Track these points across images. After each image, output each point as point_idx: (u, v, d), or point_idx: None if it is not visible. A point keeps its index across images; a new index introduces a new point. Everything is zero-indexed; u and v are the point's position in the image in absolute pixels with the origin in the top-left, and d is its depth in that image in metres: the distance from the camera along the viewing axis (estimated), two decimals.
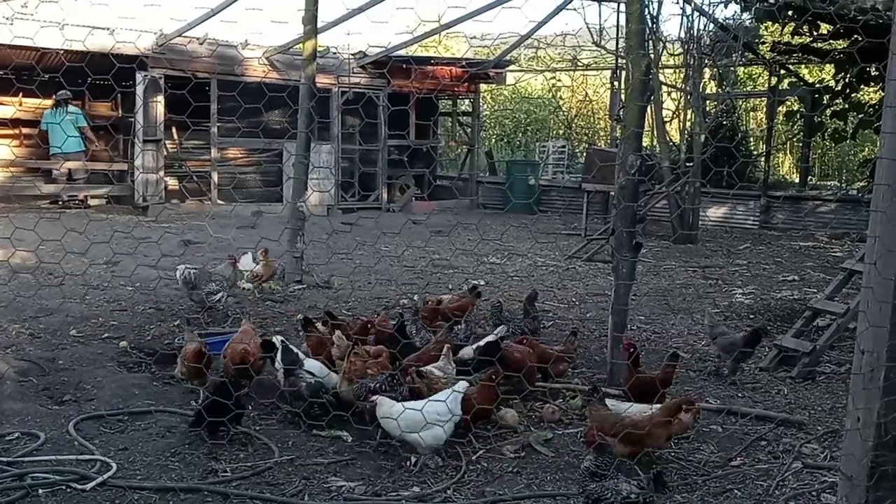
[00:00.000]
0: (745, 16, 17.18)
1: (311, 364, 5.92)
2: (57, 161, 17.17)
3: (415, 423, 4.91)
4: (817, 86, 18.87)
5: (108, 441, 5.26)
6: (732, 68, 19.46)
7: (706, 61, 16.32)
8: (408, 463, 5.01)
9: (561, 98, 28.13)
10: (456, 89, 21.16)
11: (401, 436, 4.98)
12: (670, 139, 16.57)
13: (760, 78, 23.48)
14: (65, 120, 16.93)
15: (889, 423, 3.56)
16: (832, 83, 18.12)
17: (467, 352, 6.43)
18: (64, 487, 4.57)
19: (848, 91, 16.91)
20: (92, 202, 17.58)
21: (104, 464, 4.86)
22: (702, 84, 16.44)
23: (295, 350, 5.98)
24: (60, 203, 17.01)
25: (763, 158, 19.78)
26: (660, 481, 4.08)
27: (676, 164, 15.67)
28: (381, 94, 19.53)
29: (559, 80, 27.71)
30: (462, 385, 5.22)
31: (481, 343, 6.44)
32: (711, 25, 16.42)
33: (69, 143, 16.89)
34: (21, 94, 17.19)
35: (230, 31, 19.32)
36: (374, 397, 5.08)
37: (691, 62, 15.96)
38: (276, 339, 6.05)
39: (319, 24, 11.47)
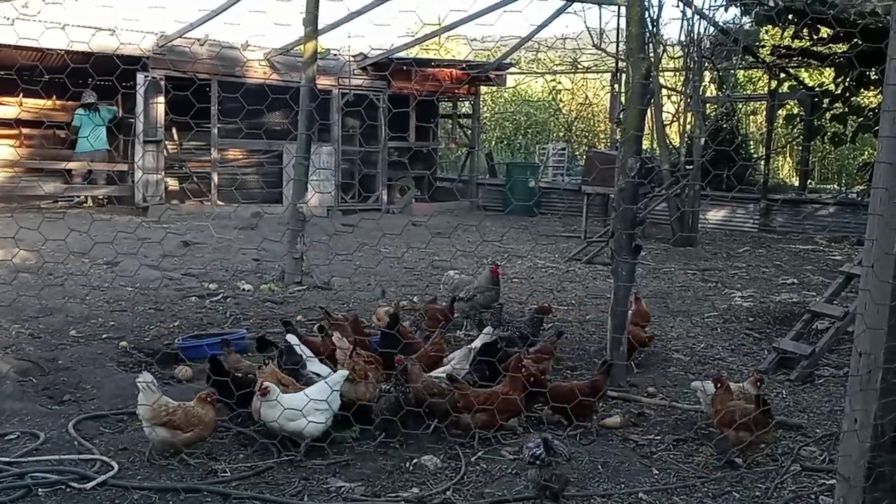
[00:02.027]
0: (746, 19, 17.22)
1: (318, 366, 5.93)
2: (79, 159, 17.61)
3: (273, 413, 4.96)
4: (817, 89, 18.88)
5: (109, 441, 5.27)
6: (732, 71, 19.48)
7: (706, 64, 16.34)
8: (407, 464, 5.03)
9: (561, 101, 28.16)
10: (456, 91, 21.18)
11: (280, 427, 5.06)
12: (670, 142, 16.60)
13: (760, 81, 23.50)
14: (98, 120, 17.64)
15: (886, 425, 3.58)
16: (832, 87, 18.14)
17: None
18: (64, 487, 4.58)
19: (847, 95, 16.94)
20: (90, 202, 17.65)
21: (104, 463, 4.88)
22: (702, 87, 16.47)
23: (298, 351, 5.97)
24: (74, 202, 17.23)
25: (763, 161, 19.80)
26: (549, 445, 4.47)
27: (676, 166, 15.69)
28: (381, 95, 19.55)
29: (559, 83, 27.73)
30: (340, 375, 5.23)
31: (477, 344, 6.46)
32: (711, 29, 16.46)
33: (99, 141, 17.64)
34: (23, 95, 17.25)
35: (232, 32, 19.35)
36: (266, 384, 5.05)
37: (691, 65, 15.98)
38: (291, 338, 6.04)
39: (321, 26, 11.50)
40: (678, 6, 15.81)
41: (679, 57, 16.98)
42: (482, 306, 8.12)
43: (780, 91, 19.18)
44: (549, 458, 4.44)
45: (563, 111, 27.93)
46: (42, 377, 6.44)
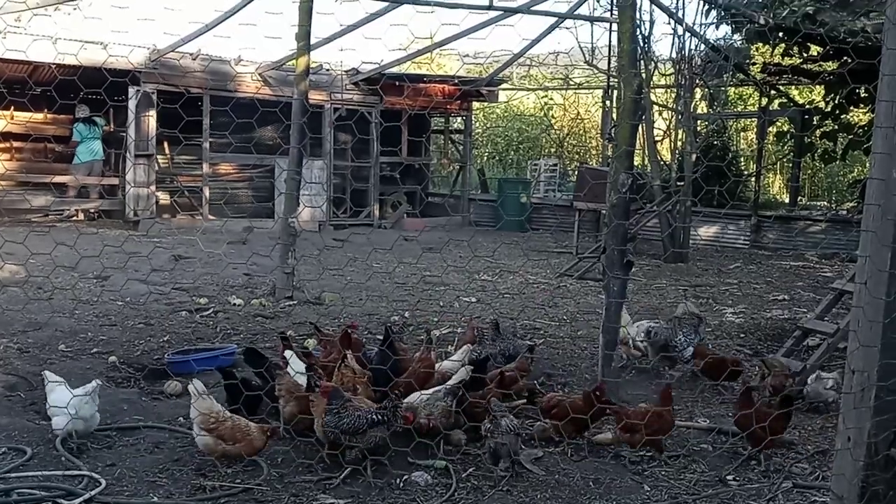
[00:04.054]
0: (736, 37, 17.30)
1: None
2: (77, 172, 17.70)
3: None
4: (807, 107, 18.99)
5: (96, 457, 5.22)
6: (723, 88, 19.57)
7: (697, 81, 16.41)
8: (397, 481, 4.99)
9: (553, 117, 28.23)
10: (448, 107, 21.21)
11: None
12: (661, 158, 16.62)
13: (751, 98, 23.61)
14: (96, 133, 17.88)
15: (880, 443, 3.57)
16: (822, 104, 18.24)
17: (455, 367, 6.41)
18: (50, 503, 4.53)
19: (837, 112, 17.04)
20: (81, 216, 17.61)
21: (92, 480, 4.82)
22: (693, 104, 16.52)
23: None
24: (64, 215, 17.20)
25: (753, 178, 19.86)
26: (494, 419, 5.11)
27: (667, 183, 15.72)
28: (373, 110, 19.58)
29: (551, 99, 27.81)
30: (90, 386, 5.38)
31: (460, 355, 6.46)
32: (703, 46, 16.53)
33: (95, 153, 17.86)
34: (13, 108, 17.22)
35: (224, 46, 19.31)
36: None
37: (682, 82, 16.05)
38: (288, 354, 6.01)
39: (313, 41, 11.50)
40: (669, 23, 15.91)
41: (670, 74, 17.04)
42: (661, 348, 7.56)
43: (770, 108, 19.27)
44: (492, 428, 5.04)
45: (555, 127, 27.99)
46: (30, 392, 6.38)
